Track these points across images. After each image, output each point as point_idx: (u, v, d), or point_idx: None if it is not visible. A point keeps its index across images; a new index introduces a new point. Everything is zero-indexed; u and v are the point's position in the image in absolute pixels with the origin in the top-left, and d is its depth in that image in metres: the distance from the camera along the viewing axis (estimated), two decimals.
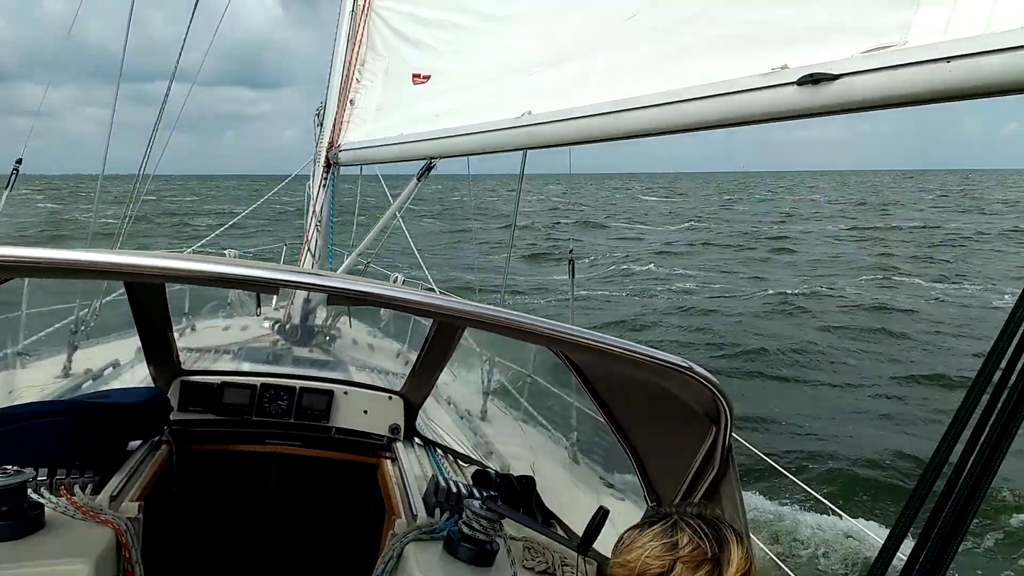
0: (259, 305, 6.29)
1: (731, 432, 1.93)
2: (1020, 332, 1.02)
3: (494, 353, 6.59)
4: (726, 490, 1.98)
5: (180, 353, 3.75)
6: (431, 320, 3.45)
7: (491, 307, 1.77)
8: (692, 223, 48.87)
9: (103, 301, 5.90)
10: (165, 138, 6.94)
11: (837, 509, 4.44)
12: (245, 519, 4.33)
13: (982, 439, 0.97)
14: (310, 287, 1.68)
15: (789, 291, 22.44)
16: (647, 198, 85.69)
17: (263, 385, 3.55)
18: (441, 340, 3.42)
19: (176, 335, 5.08)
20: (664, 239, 38.76)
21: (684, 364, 1.77)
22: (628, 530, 1.64)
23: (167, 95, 6.88)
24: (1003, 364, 1.04)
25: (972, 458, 1.00)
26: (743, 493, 1.98)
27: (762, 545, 4.67)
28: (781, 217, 54.43)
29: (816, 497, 4.26)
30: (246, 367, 4.41)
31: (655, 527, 1.58)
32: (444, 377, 6.31)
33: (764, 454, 4.65)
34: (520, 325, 1.75)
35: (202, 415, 3.48)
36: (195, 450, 3.41)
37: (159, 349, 3.43)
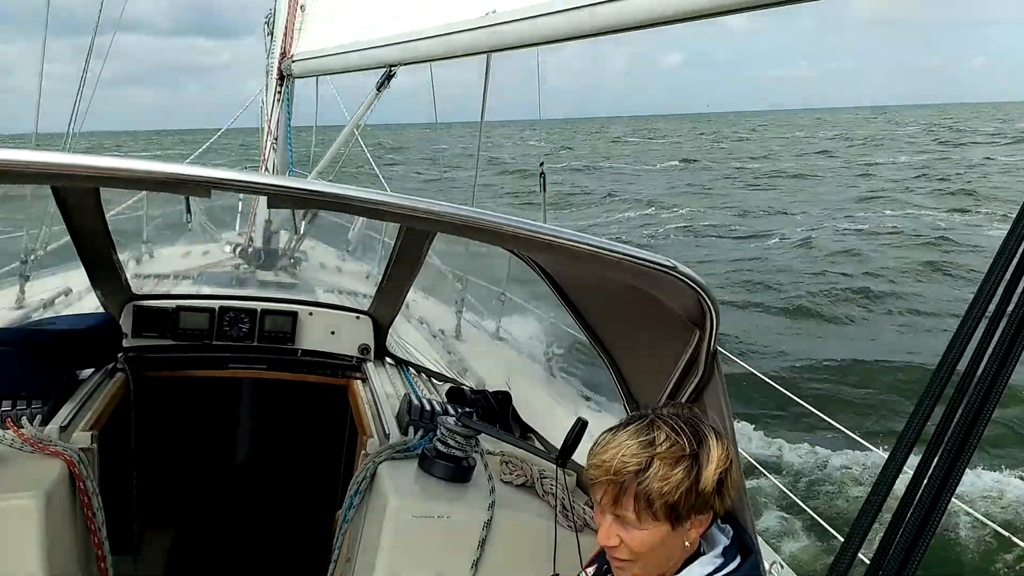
0: (189, 212, 5.86)
1: (717, 337, 1.81)
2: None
3: (466, 271, 6.45)
4: (711, 397, 1.88)
5: (136, 279, 3.57)
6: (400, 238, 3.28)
7: (460, 207, 1.59)
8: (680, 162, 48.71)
9: (52, 228, 5.61)
10: (103, 93, 6.44)
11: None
12: (213, 447, 4.23)
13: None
14: (248, 187, 1.49)
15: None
16: (630, 139, 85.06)
17: (222, 308, 3.37)
18: (408, 252, 3.25)
19: (133, 262, 4.85)
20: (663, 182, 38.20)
21: (668, 263, 1.63)
22: (604, 432, 1.57)
23: (92, 42, 6.29)
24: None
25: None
26: (730, 401, 1.88)
27: (751, 460, 4.69)
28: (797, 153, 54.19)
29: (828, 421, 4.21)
30: (205, 291, 4.22)
31: (631, 426, 1.52)
32: (415, 297, 6.19)
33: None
34: (492, 226, 1.58)
35: (158, 341, 3.31)
36: (152, 377, 3.26)
37: (103, 270, 3.22)
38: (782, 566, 3.05)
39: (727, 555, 1.52)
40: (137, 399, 3.09)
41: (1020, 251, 0.88)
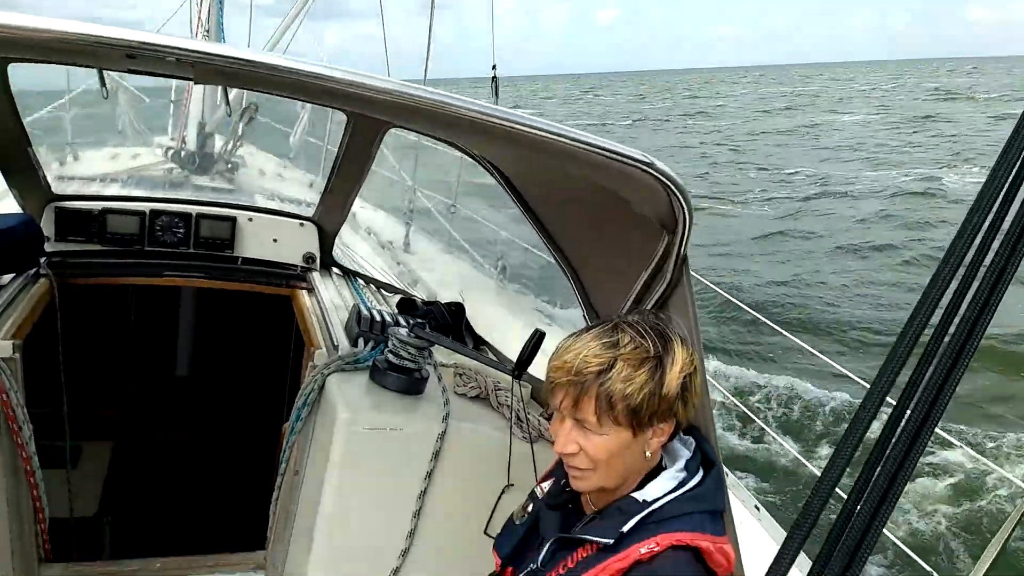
0: (104, 87, 5.46)
1: (687, 241, 1.71)
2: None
3: (415, 182, 6.23)
4: (677, 304, 1.80)
5: (59, 182, 3.27)
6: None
7: (414, 85, 1.41)
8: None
9: None
10: None
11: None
12: (152, 359, 4.06)
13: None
14: (169, 52, 1.25)
15: None
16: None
17: (153, 211, 3.13)
18: (357, 149, 3.03)
19: (56, 163, 4.49)
20: None
21: (645, 159, 1.50)
22: (565, 337, 1.50)
23: None
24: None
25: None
26: (697, 310, 1.79)
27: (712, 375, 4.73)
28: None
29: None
30: (135, 195, 3.94)
31: (595, 329, 1.45)
32: (362, 207, 5.96)
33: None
34: (450, 109, 1.41)
35: (84, 245, 3.06)
36: (81, 284, 3.03)
37: (16, 165, 2.92)
38: (758, 507, 3.08)
39: (689, 469, 1.46)
40: (64, 307, 2.87)
41: (1001, 193, 0.86)
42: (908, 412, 0.82)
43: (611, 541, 1.39)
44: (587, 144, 1.47)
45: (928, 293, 0.86)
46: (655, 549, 1.35)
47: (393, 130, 3.09)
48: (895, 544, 3.00)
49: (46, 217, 3.05)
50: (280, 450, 2.62)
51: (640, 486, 1.44)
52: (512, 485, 2.27)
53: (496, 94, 5.65)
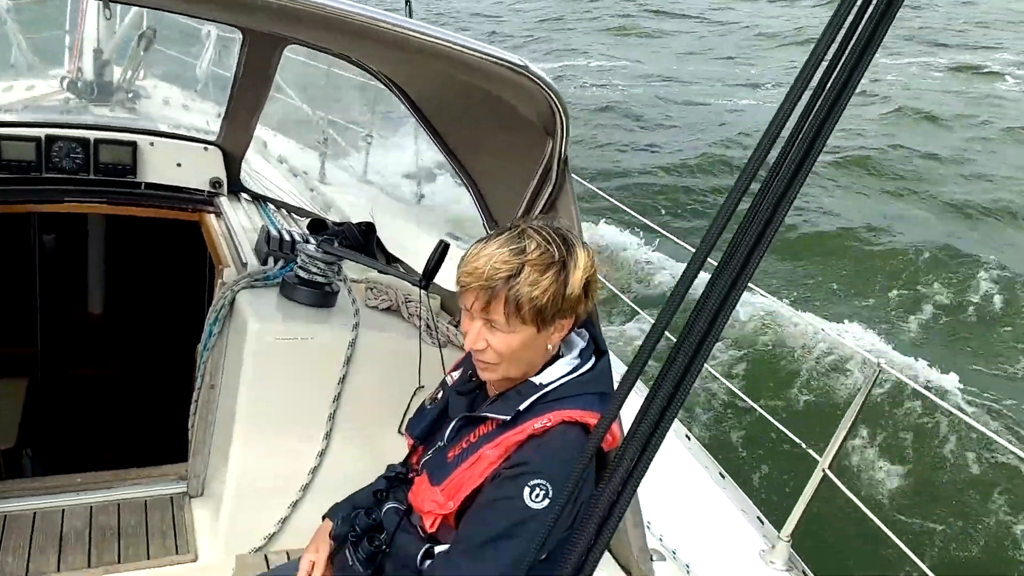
0: None
1: (567, 142, 1.83)
2: None
3: (327, 110, 6.15)
4: (563, 204, 1.94)
5: None
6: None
7: None
8: None
9: None
10: None
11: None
12: (63, 289, 4.00)
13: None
14: None
15: None
16: None
17: (49, 136, 3.05)
18: (255, 66, 3.01)
19: None
20: None
21: (520, 62, 1.60)
22: (474, 244, 1.59)
23: None
24: None
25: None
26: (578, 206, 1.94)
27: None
28: None
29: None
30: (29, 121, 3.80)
31: (502, 236, 1.54)
32: (275, 138, 5.87)
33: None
34: (335, 13, 1.47)
35: None
36: None
37: None
38: (689, 438, 3.30)
39: (583, 356, 1.62)
40: None
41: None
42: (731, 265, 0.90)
43: (508, 417, 1.54)
44: (466, 47, 1.56)
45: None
46: (548, 424, 1.51)
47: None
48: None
49: None
50: (195, 368, 2.68)
51: (538, 373, 1.59)
52: (423, 387, 2.41)
53: (410, 14, 5.58)
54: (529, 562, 1.52)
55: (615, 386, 1.14)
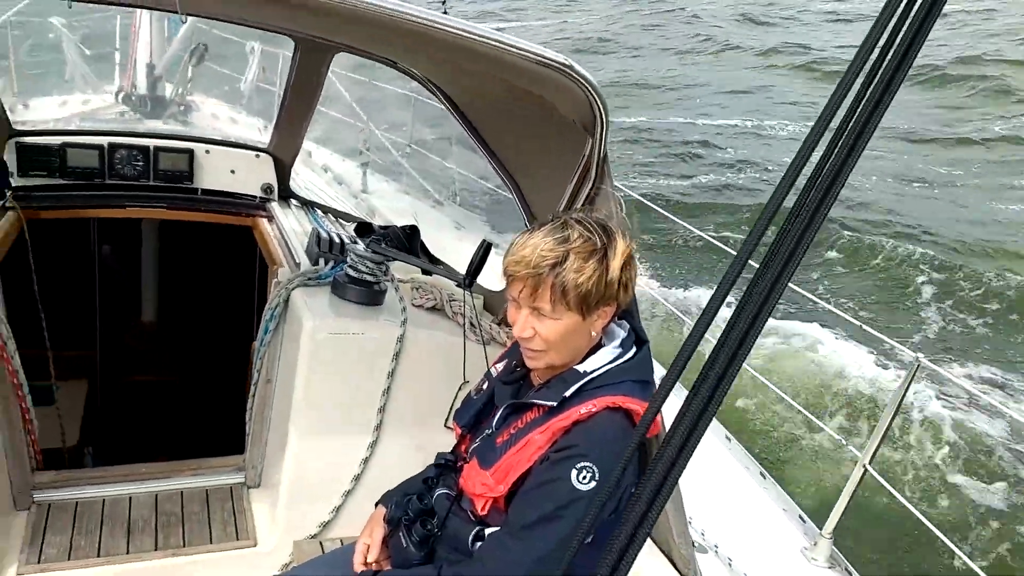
0: None
1: (607, 139, 1.89)
2: None
3: (368, 121, 6.30)
4: (602, 201, 1.99)
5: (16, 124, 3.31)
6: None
7: None
8: None
9: None
10: None
11: None
12: (119, 295, 4.17)
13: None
14: None
15: None
16: None
17: (112, 145, 3.20)
18: (305, 76, 3.13)
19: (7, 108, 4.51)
20: None
21: (565, 61, 1.67)
22: (518, 235, 1.66)
23: None
24: None
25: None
26: (621, 200, 2.00)
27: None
28: None
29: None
30: (92, 130, 3.98)
31: (545, 227, 1.61)
32: (318, 149, 6.04)
33: None
34: (386, 14, 1.55)
35: (47, 180, 3.14)
36: (47, 219, 3.13)
37: None
38: (729, 439, 3.33)
39: (624, 346, 1.68)
40: (34, 239, 2.97)
41: None
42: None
43: (555, 403, 1.61)
44: (511, 46, 1.63)
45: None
46: (592, 410, 1.57)
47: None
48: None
49: (8, 152, 3.11)
50: (251, 365, 2.80)
51: (582, 361, 1.65)
52: (468, 382, 2.49)
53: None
54: (576, 542, 1.59)
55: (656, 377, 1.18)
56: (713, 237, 4.48)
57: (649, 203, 4.77)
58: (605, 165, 1.91)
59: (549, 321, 1.58)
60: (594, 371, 1.63)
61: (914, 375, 2.54)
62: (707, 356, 0.89)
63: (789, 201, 0.94)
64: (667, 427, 1.38)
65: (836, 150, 0.89)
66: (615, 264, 1.57)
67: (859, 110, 0.86)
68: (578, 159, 1.97)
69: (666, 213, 4.35)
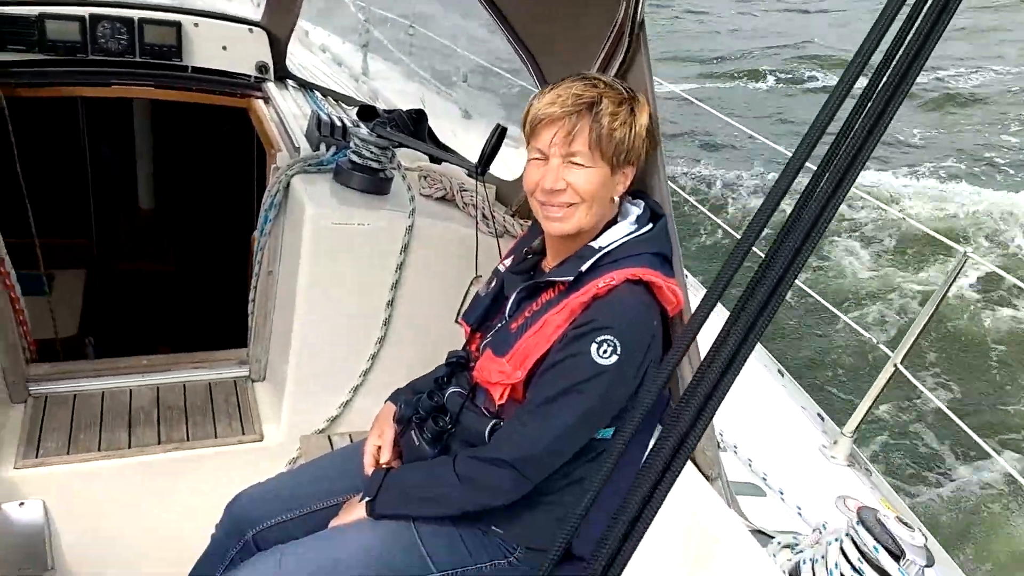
0: None
1: (644, 3, 1.68)
2: None
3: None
4: (635, 74, 1.80)
5: None
6: None
7: None
8: None
9: None
10: None
11: None
12: (114, 172, 4.01)
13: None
14: None
15: None
16: None
17: (93, 16, 2.95)
18: None
19: None
20: None
21: None
22: (536, 94, 1.57)
23: None
24: None
25: None
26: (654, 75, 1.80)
27: None
28: None
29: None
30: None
31: (570, 78, 1.54)
32: (315, 28, 5.68)
33: None
34: None
35: (24, 55, 2.91)
36: (28, 97, 2.91)
37: None
38: (823, 417, 3.02)
39: (640, 221, 1.60)
40: (15, 119, 2.78)
41: None
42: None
43: (571, 278, 1.52)
44: None
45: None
46: (612, 283, 1.48)
47: None
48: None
49: None
50: (252, 255, 2.67)
51: (596, 238, 1.57)
52: (480, 276, 2.36)
53: None
54: (598, 416, 1.51)
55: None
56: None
57: (696, 101, 4.47)
58: (641, 31, 1.70)
59: (583, 170, 1.49)
60: (609, 244, 1.54)
61: (961, 269, 2.40)
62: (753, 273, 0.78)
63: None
64: (692, 309, 1.25)
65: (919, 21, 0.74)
66: (642, 119, 1.53)
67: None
68: (608, 24, 1.76)
69: (715, 112, 4.08)
